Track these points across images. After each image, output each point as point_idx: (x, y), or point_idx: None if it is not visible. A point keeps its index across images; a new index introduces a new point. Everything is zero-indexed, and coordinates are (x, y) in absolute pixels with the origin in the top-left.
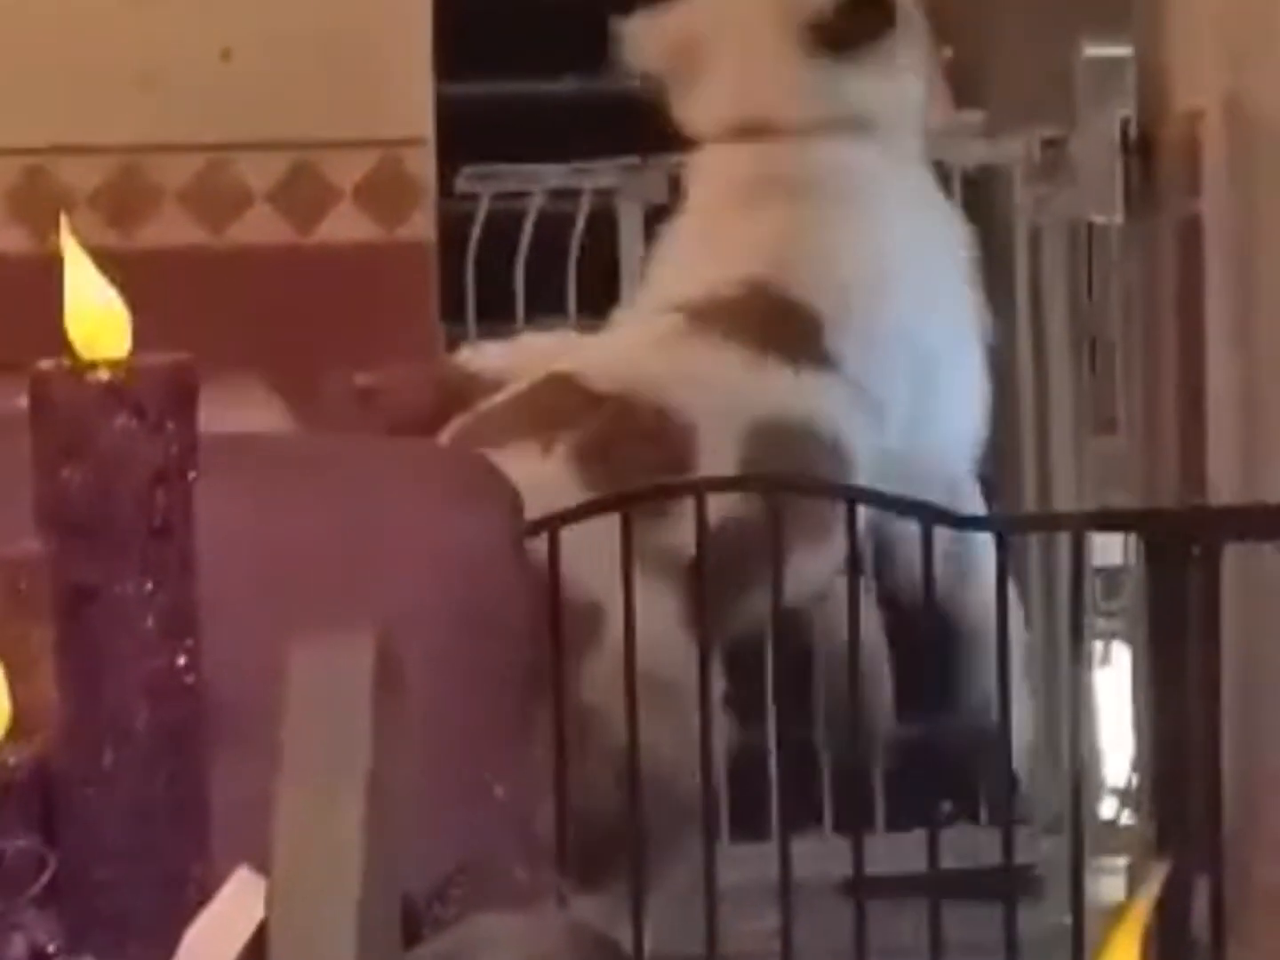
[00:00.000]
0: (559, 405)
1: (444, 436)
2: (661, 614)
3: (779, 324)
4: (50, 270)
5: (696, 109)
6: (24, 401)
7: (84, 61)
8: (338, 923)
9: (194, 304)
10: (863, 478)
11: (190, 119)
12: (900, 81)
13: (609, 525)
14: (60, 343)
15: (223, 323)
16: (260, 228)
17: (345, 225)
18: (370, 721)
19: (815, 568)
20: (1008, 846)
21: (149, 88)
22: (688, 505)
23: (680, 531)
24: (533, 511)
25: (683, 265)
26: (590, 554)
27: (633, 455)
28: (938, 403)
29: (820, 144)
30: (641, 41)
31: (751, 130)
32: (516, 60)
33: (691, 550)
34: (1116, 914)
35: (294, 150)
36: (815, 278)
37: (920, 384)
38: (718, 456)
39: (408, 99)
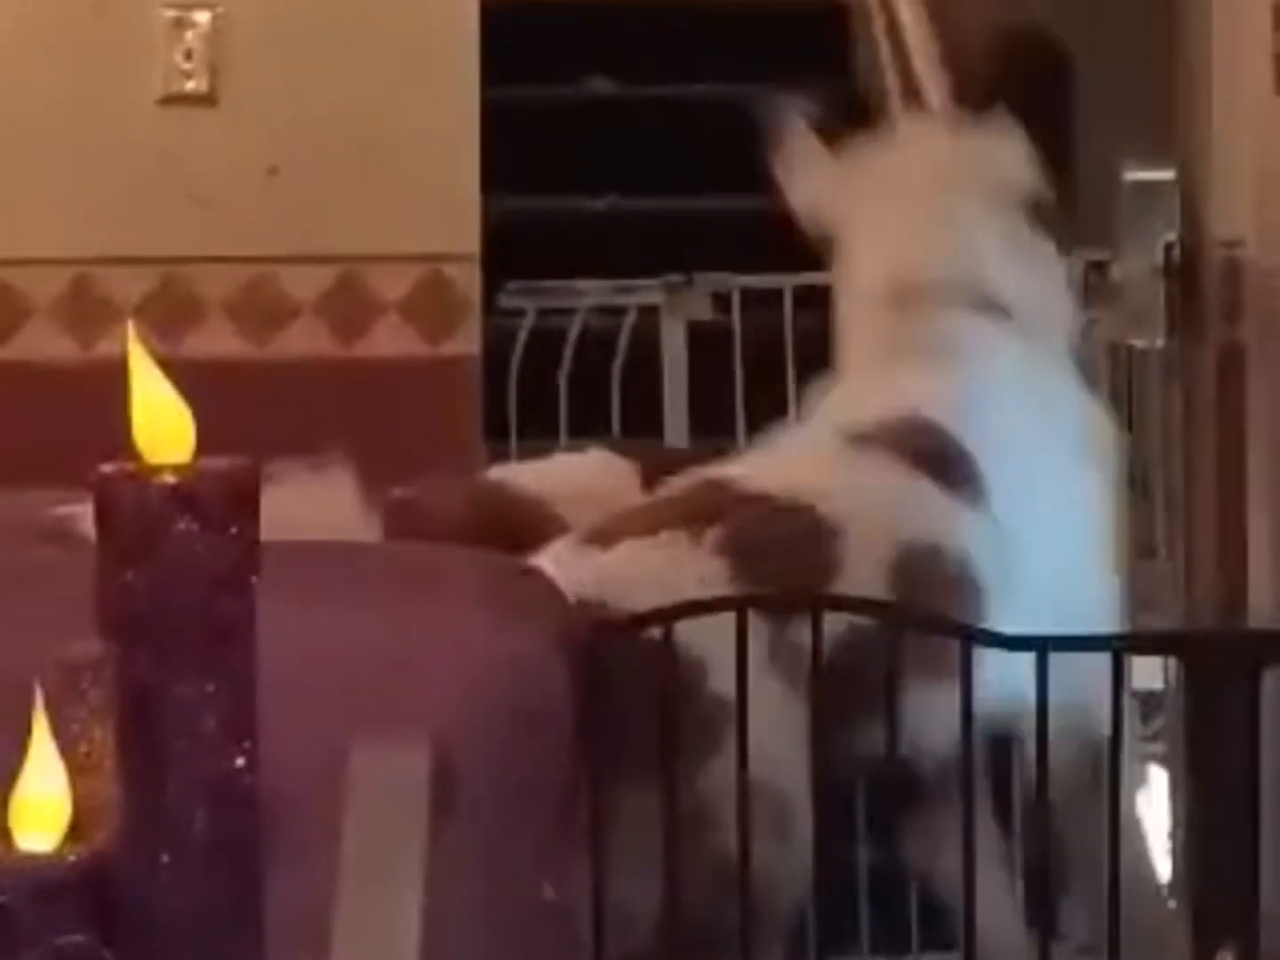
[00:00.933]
0: (710, 501)
1: (578, 530)
2: (790, 724)
3: (937, 453)
4: (94, 379)
5: (860, 264)
6: (74, 510)
7: (132, 174)
8: None
9: (236, 415)
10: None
11: (237, 232)
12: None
13: (754, 624)
14: (106, 449)
15: (265, 435)
16: (304, 340)
17: (390, 339)
18: (426, 819)
19: (933, 711)
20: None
21: (197, 202)
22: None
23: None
24: (677, 598)
25: (844, 401)
26: (730, 650)
27: (780, 553)
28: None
29: (971, 317)
30: (812, 186)
31: (909, 295)
32: (562, 176)
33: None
34: None
35: (339, 264)
36: (970, 422)
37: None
38: (864, 569)
39: (454, 214)
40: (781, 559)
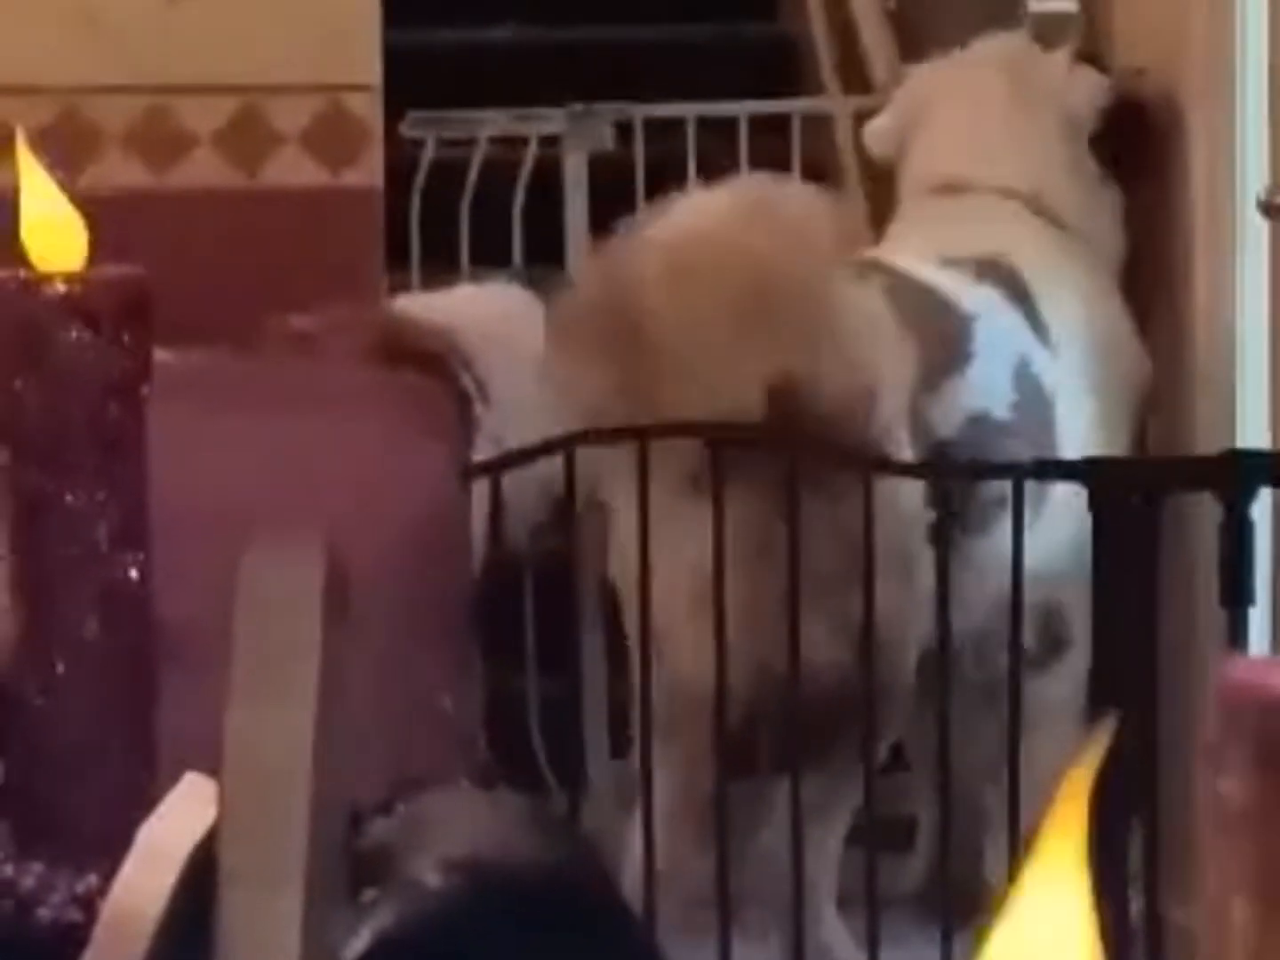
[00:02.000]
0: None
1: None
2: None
3: (1023, 294)
4: None
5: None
6: None
7: (29, 2)
8: (287, 823)
9: (135, 247)
10: None
11: (136, 62)
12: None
13: None
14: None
15: (165, 266)
16: (205, 171)
17: (290, 170)
18: (320, 628)
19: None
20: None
21: (94, 29)
22: None
23: None
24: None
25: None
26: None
27: (930, 314)
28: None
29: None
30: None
31: (966, 188)
32: (464, 5)
33: None
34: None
35: (239, 94)
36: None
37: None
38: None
39: (354, 44)
40: (931, 320)
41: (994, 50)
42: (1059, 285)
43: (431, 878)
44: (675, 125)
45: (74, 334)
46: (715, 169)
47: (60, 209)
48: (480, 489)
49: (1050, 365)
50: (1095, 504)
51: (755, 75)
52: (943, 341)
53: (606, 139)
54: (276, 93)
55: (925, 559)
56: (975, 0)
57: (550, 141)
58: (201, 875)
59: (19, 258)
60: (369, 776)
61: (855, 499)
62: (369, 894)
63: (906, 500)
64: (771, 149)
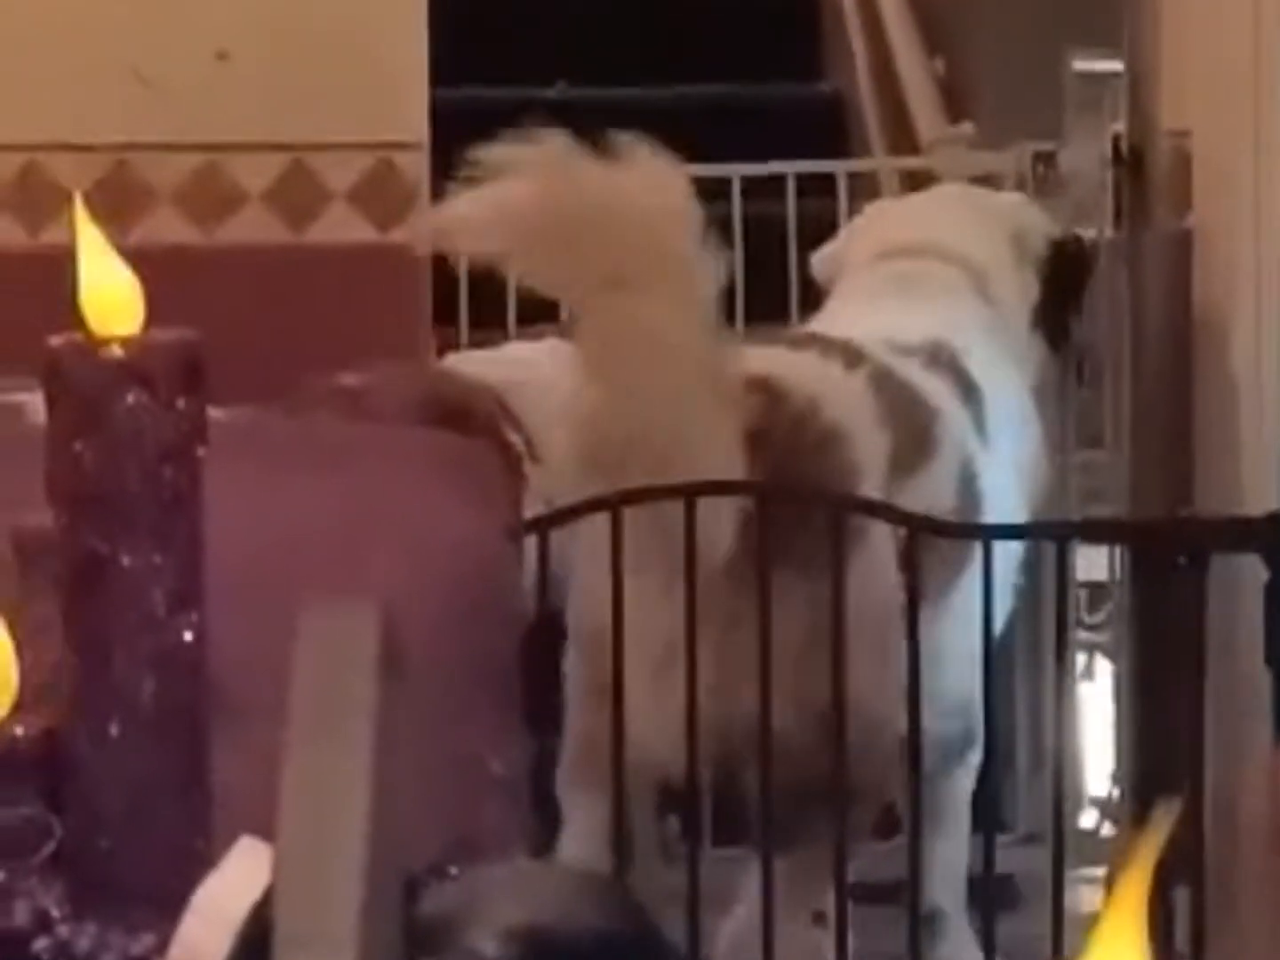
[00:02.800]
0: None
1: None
2: None
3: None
4: (43, 266)
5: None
6: (23, 399)
7: (82, 60)
8: (343, 887)
9: (184, 303)
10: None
11: (186, 119)
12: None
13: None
14: (55, 333)
15: (212, 322)
16: (253, 228)
17: (339, 227)
18: (375, 690)
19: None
20: (988, 856)
21: (144, 87)
22: None
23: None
24: (842, 419)
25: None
26: None
27: (905, 407)
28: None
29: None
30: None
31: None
32: (513, 65)
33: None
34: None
35: (288, 151)
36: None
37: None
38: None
39: (403, 103)
40: (906, 415)
41: (950, 187)
42: (994, 378)
43: (490, 947)
44: (722, 185)
45: (131, 398)
46: (762, 228)
47: (117, 273)
48: (529, 546)
49: (984, 464)
50: (1139, 564)
51: (802, 135)
52: (912, 437)
53: None
54: (325, 150)
55: (898, 640)
56: (1020, 63)
57: None
58: (258, 938)
59: (77, 322)
60: (420, 839)
61: (828, 574)
62: None
63: (883, 578)
64: (818, 209)
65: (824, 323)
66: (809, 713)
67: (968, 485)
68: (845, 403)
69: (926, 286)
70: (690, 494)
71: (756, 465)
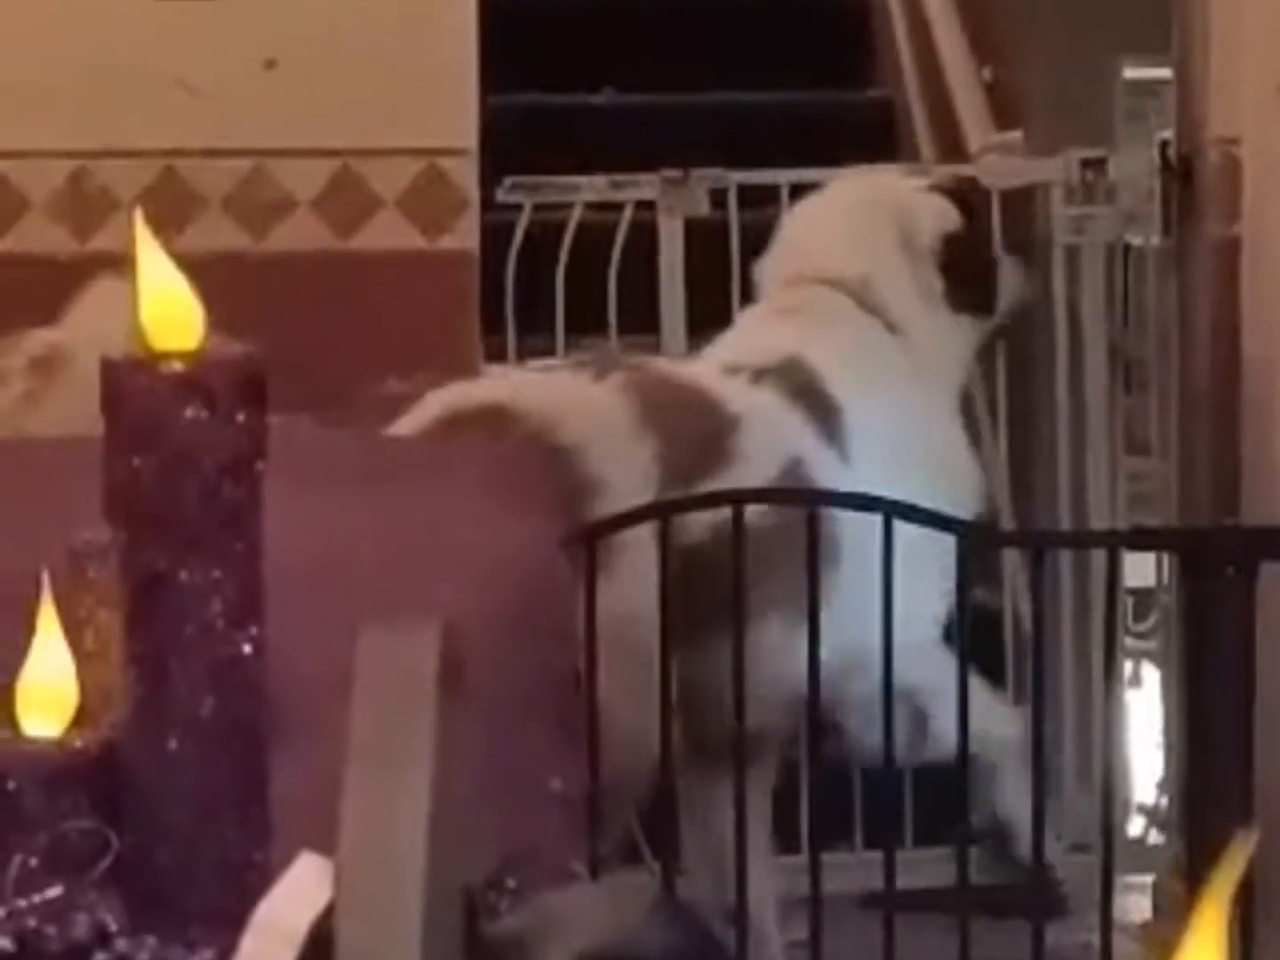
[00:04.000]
0: (617, 365)
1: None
2: None
3: (815, 394)
4: (92, 272)
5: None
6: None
7: (131, 68)
8: (404, 902)
9: (231, 309)
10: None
11: (234, 126)
12: (946, 336)
13: None
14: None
15: (259, 329)
16: (302, 234)
17: (387, 233)
18: (436, 707)
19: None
20: (1037, 862)
21: (194, 94)
22: None
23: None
24: (577, 433)
25: (730, 345)
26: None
27: (681, 412)
28: None
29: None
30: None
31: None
32: (560, 71)
33: None
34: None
35: (337, 157)
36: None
37: None
38: (750, 471)
39: (452, 109)
40: (680, 420)
41: (860, 172)
42: (871, 385)
43: None
44: (770, 191)
45: (190, 413)
46: None
47: (176, 287)
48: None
49: (835, 465)
50: (1187, 572)
51: (851, 142)
52: (695, 442)
53: (701, 205)
54: (373, 156)
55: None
56: (1069, 70)
57: (646, 207)
58: (318, 954)
59: (136, 336)
60: (479, 855)
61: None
62: None
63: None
64: None
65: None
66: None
67: (796, 485)
68: (584, 416)
69: (806, 315)
70: (735, 501)
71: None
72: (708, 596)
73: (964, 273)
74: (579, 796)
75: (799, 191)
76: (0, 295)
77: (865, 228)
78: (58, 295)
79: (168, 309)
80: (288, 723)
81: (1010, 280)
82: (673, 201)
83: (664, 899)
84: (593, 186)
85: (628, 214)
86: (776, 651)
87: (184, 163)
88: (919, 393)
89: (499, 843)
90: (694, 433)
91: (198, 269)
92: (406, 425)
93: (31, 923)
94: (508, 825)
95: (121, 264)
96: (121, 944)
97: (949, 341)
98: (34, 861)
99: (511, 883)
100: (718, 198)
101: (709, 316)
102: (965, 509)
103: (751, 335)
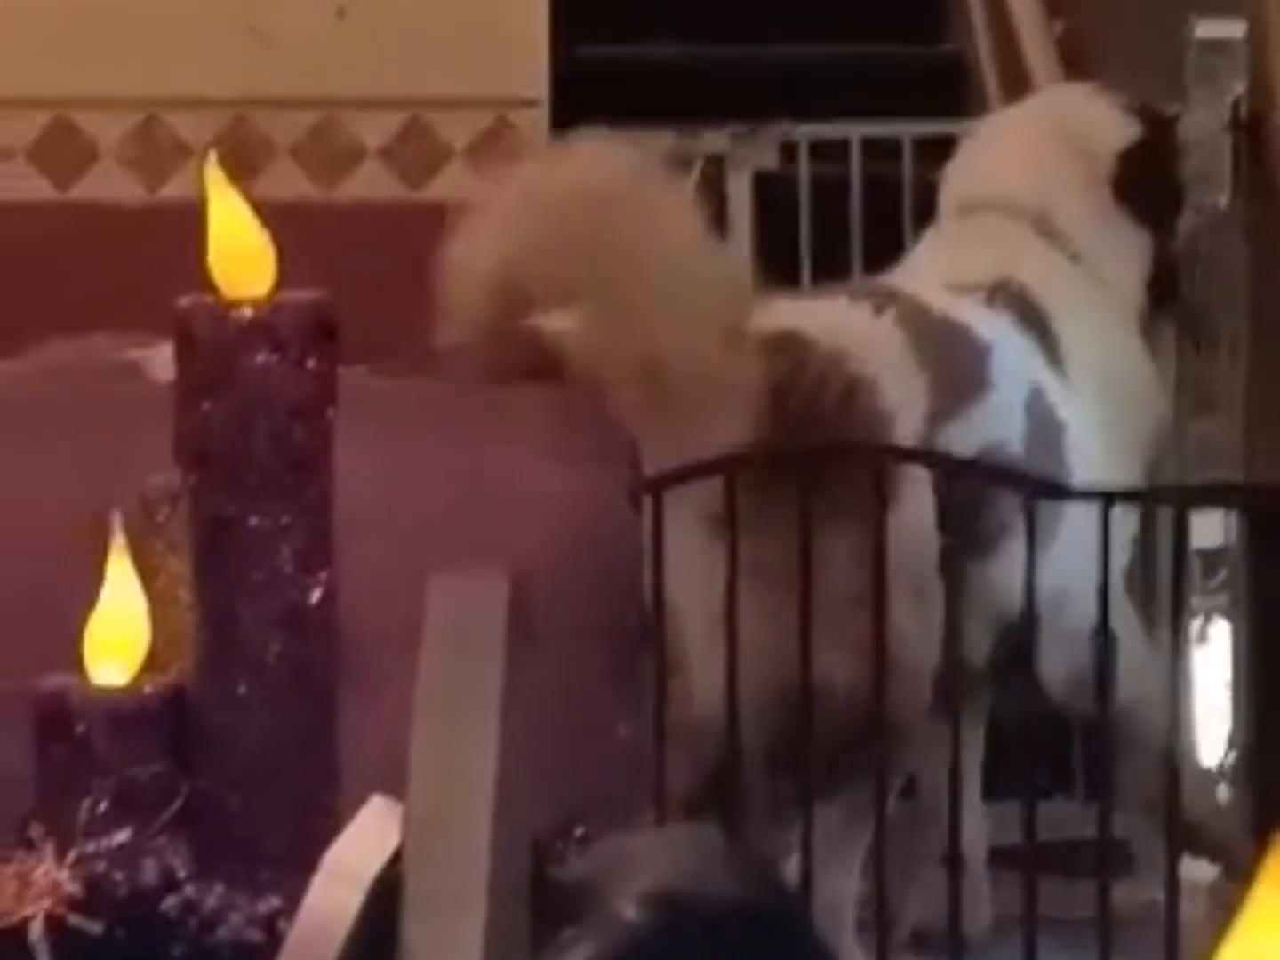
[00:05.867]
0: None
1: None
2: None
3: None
4: (161, 220)
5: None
6: (145, 354)
7: (201, 16)
8: (472, 848)
9: (302, 258)
10: None
11: (304, 75)
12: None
13: None
14: (173, 291)
15: (329, 277)
16: (372, 184)
17: (456, 184)
18: (504, 656)
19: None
20: (1104, 822)
21: (264, 43)
22: None
23: None
24: (871, 366)
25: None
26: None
27: (944, 343)
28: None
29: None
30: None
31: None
32: (630, 22)
33: None
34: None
35: (407, 108)
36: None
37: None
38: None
39: (522, 60)
40: (945, 350)
41: (1040, 95)
42: (1071, 311)
43: (630, 913)
44: (840, 145)
45: (261, 358)
46: (880, 189)
47: (249, 232)
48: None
49: (1062, 394)
50: (1255, 529)
51: (922, 96)
52: (958, 373)
53: (771, 158)
54: (444, 107)
55: (936, 587)
56: (1140, 27)
57: (715, 160)
58: (387, 899)
59: (207, 281)
60: (546, 802)
61: (869, 522)
62: (568, 931)
63: (921, 523)
64: (936, 170)
65: (897, 276)
66: (860, 659)
67: (1042, 416)
68: (874, 349)
69: (992, 242)
70: (804, 457)
71: (780, 421)
72: (969, 527)
73: (1145, 189)
74: (645, 743)
75: (870, 145)
76: (71, 243)
77: (1043, 153)
78: (128, 245)
79: (239, 254)
80: (357, 669)
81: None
82: (742, 155)
83: (730, 846)
84: (661, 139)
85: (697, 167)
86: (1003, 582)
87: (254, 112)
88: (1101, 312)
89: (566, 790)
90: (957, 361)
91: (267, 218)
92: (691, 338)
93: (100, 867)
94: (575, 772)
95: (192, 212)
96: (190, 889)
97: (1129, 264)
98: (103, 806)
99: (578, 830)
100: (787, 151)
101: (777, 271)
102: (1152, 426)
103: (945, 259)
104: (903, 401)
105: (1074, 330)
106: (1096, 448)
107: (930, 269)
